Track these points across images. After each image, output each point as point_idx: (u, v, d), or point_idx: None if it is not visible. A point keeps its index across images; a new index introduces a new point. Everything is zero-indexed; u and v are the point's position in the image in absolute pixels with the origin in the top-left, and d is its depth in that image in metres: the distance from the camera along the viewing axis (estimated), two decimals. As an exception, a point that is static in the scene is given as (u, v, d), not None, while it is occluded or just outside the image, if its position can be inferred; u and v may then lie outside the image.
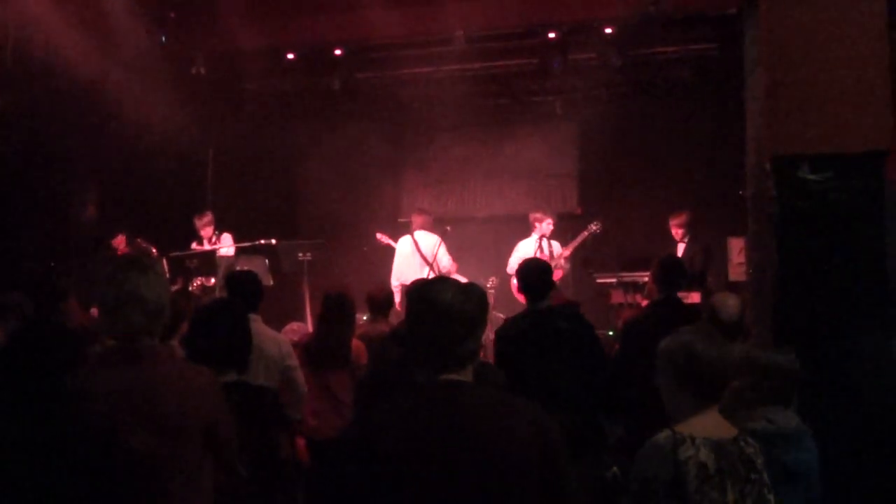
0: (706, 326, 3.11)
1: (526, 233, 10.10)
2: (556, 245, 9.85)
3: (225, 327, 3.60)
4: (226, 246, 9.76)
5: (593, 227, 9.72)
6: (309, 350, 5.41)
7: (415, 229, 9.91)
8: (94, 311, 6.50)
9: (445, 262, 9.56)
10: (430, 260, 9.54)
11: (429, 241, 9.74)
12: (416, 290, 2.41)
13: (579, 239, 9.79)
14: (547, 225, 9.85)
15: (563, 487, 2.27)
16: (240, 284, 5.21)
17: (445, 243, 9.80)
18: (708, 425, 2.90)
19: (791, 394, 3.63)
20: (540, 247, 9.64)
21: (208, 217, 9.93)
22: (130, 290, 2.77)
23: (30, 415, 2.88)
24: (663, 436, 2.87)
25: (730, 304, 4.87)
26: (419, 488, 2.18)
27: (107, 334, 2.87)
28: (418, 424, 2.23)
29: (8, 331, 5.10)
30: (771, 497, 2.90)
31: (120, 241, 9.73)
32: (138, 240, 9.71)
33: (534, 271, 5.28)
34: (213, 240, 9.84)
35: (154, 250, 9.52)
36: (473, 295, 2.36)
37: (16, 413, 2.87)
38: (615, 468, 4.45)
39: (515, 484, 2.20)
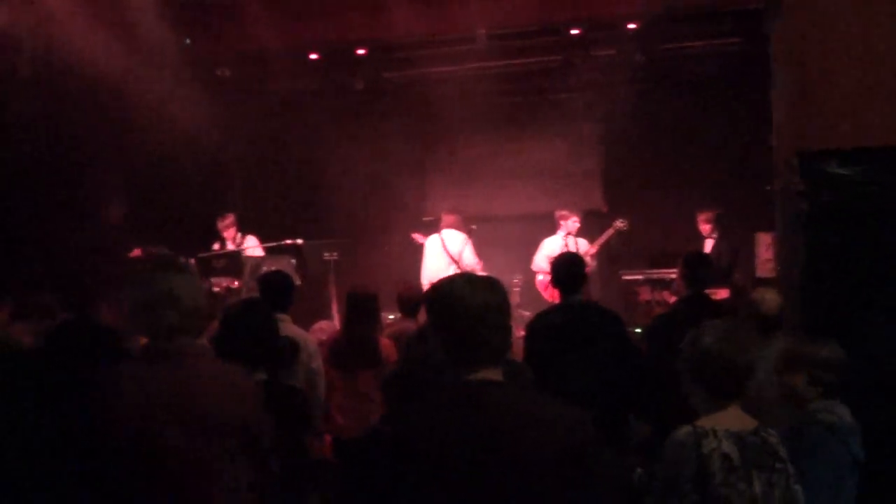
0: (730, 322, 3.10)
1: (551, 230, 10.07)
2: (582, 242, 9.81)
3: (253, 327, 3.61)
4: (251, 247, 9.78)
5: (619, 223, 9.68)
6: (336, 349, 5.43)
7: (443, 228, 9.90)
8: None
9: (470, 260, 9.55)
10: (456, 258, 9.54)
11: (456, 239, 9.73)
12: (440, 288, 2.38)
13: (605, 236, 9.76)
14: (573, 222, 9.82)
15: (594, 490, 2.24)
16: (270, 285, 5.23)
17: (470, 241, 9.79)
18: (728, 419, 2.90)
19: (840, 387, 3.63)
20: (566, 244, 9.61)
21: (230, 219, 9.93)
22: (165, 290, 2.79)
23: (67, 413, 2.91)
24: (684, 431, 2.87)
25: (768, 298, 4.85)
26: (450, 487, 2.17)
27: (142, 334, 2.89)
28: (450, 424, 2.21)
29: (36, 331, 5.17)
30: (798, 487, 2.89)
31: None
32: (157, 249, 9.78)
33: (567, 265, 5.26)
34: (238, 241, 9.86)
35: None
36: (497, 288, 2.34)
37: (54, 411, 2.90)
38: (640, 469, 4.44)
39: (546, 485, 2.18)
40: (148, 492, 2.72)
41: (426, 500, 2.18)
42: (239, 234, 9.84)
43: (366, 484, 2.30)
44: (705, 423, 2.88)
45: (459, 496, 2.17)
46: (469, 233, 9.85)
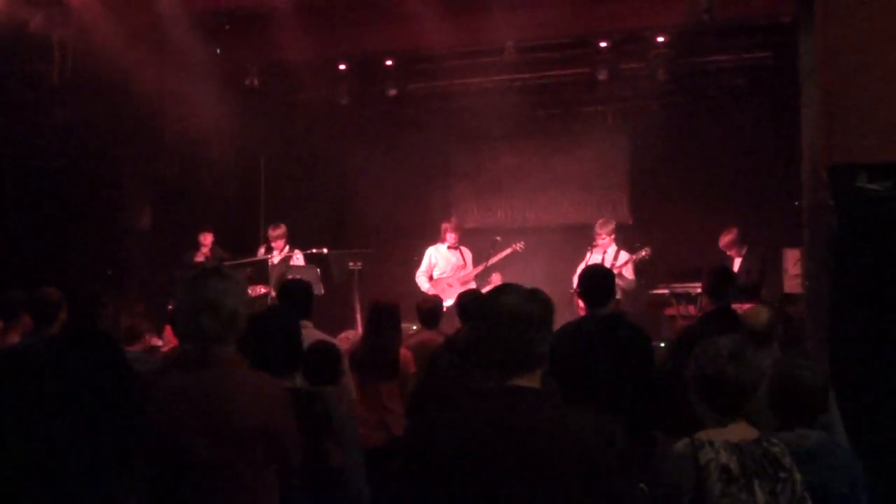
0: (735, 338, 3.06)
1: (577, 243, 9.96)
2: (623, 255, 9.57)
3: (276, 335, 3.61)
4: (298, 257, 9.79)
5: (643, 253, 9.46)
6: (356, 359, 5.42)
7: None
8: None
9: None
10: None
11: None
12: (483, 296, 2.42)
13: (627, 261, 9.50)
14: (602, 237, 9.61)
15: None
16: (290, 293, 5.25)
17: (496, 254, 9.77)
18: (729, 432, 2.88)
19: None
20: (602, 259, 9.43)
21: (282, 229, 9.87)
22: (207, 297, 2.83)
23: (102, 415, 2.94)
24: (682, 444, 2.86)
25: (758, 312, 4.86)
26: (480, 495, 2.17)
27: (184, 340, 2.94)
28: (481, 430, 2.21)
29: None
30: (807, 496, 2.84)
31: (207, 240, 9.90)
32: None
33: (595, 277, 5.20)
34: (285, 252, 9.84)
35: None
36: (538, 298, 2.36)
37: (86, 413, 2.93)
38: (642, 485, 4.39)
39: (575, 497, 2.17)
40: (173, 495, 2.76)
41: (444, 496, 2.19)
42: (287, 247, 9.81)
43: (397, 489, 2.29)
44: (704, 435, 2.85)
45: (489, 500, 2.16)
46: (493, 244, 9.82)
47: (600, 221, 9.54)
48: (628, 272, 9.10)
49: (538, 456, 2.17)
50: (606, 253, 9.34)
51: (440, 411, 2.38)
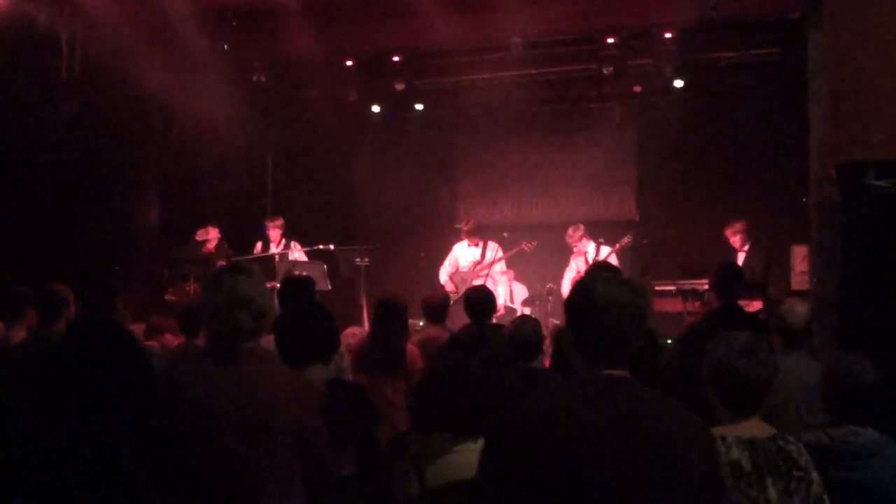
0: (750, 334, 3.04)
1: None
2: (604, 250, 9.56)
3: (315, 322, 3.66)
4: (296, 251, 9.83)
5: (625, 240, 9.45)
6: (363, 356, 5.43)
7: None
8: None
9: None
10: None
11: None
12: (582, 286, 2.36)
13: (610, 253, 9.48)
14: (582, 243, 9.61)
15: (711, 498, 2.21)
16: (290, 289, 5.31)
17: (510, 249, 9.79)
18: (743, 428, 2.87)
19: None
20: (586, 261, 9.43)
21: (279, 221, 9.96)
22: (239, 293, 2.85)
23: (131, 409, 2.96)
24: None
25: (797, 310, 4.73)
26: (583, 481, 2.12)
27: (215, 337, 2.95)
28: (584, 416, 2.17)
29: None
30: (825, 497, 2.81)
31: (213, 234, 9.92)
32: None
33: None
34: (282, 245, 9.90)
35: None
36: (638, 288, 2.35)
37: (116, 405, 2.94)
38: None
39: (679, 489, 2.15)
40: (201, 491, 2.77)
41: (559, 492, 2.14)
42: (284, 239, 9.88)
43: (497, 470, 2.24)
44: (717, 431, 2.84)
45: (592, 491, 2.12)
46: (500, 241, 9.81)
47: (570, 230, 9.57)
48: (614, 262, 9.11)
49: (642, 444, 2.14)
50: (588, 254, 9.38)
51: (541, 397, 2.34)
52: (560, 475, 2.13)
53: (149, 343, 6.86)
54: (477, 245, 9.76)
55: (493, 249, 9.72)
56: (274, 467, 2.79)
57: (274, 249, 9.81)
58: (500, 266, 9.77)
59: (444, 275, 9.75)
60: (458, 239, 9.90)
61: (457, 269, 9.70)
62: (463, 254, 9.79)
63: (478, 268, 9.61)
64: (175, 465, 2.80)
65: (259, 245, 10.01)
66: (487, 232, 10.00)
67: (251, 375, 2.83)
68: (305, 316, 3.68)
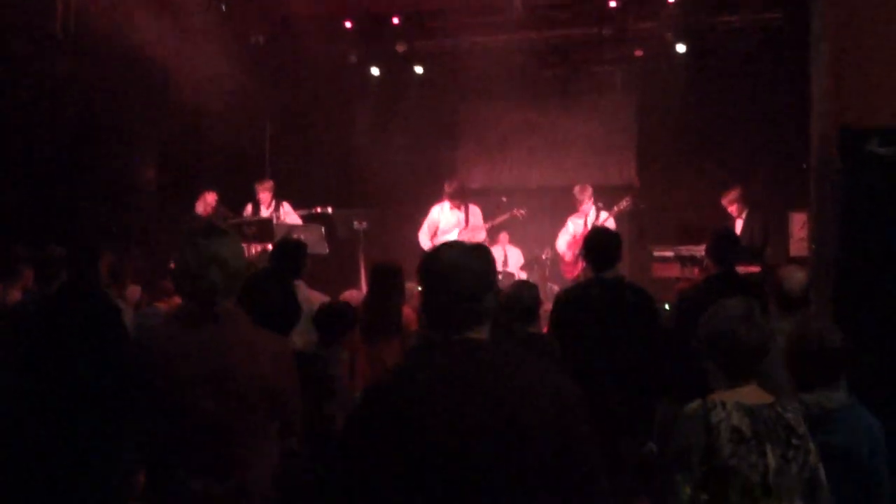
0: (747, 299, 3.03)
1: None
2: (603, 215, 9.55)
3: (273, 295, 3.60)
4: (288, 214, 9.81)
5: (624, 203, 9.43)
6: (360, 318, 5.44)
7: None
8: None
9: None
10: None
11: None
12: (429, 254, 2.46)
13: (608, 217, 9.47)
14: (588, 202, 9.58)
15: (581, 453, 2.24)
16: (283, 251, 5.41)
17: (502, 214, 9.74)
18: (742, 394, 2.87)
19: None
20: (585, 223, 9.41)
21: (269, 184, 9.99)
22: (213, 253, 2.86)
23: (104, 367, 2.94)
24: (694, 404, 2.86)
25: (797, 276, 4.72)
26: (433, 445, 2.17)
27: (186, 297, 2.97)
28: (435, 381, 2.24)
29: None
30: (820, 466, 2.83)
31: (211, 199, 9.90)
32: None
33: (602, 240, 5.15)
34: (272, 207, 9.89)
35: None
36: (480, 253, 2.41)
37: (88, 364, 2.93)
38: (651, 444, 4.40)
39: (531, 443, 2.17)
40: (177, 451, 2.78)
41: (410, 457, 2.19)
42: (274, 201, 9.88)
43: (352, 443, 2.31)
44: (717, 396, 2.85)
45: (443, 453, 2.16)
46: (498, 205, 9.78)
47: (578, 188, 9.54)
48: (611, 226, 9.10)
49: (489, 405, 2.18)
50: (588, 216, 9.36)
51: (399, 367, 2.41)
52: (407, 438, 2.19)
53: (158, 305, 6.97)
54: (459, 208, 9.56)
55: (476, 214, 9.57)
56: (248, 425, 2.81)
57: (264, 212, 9.79)
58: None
59: (424, 239, 9.43)
60: (439, 200, 9.73)
61: (435, 233, 9.55)
62: (444, 217, 9.53)
63: (460, 232, 9.46)
64: (150, 422, 2.81)
65: (249, 207, 10.00)
66: (484, 195, 9.96)
67: (224, 334, 2.84)
68: (263, 287, 3.63)
